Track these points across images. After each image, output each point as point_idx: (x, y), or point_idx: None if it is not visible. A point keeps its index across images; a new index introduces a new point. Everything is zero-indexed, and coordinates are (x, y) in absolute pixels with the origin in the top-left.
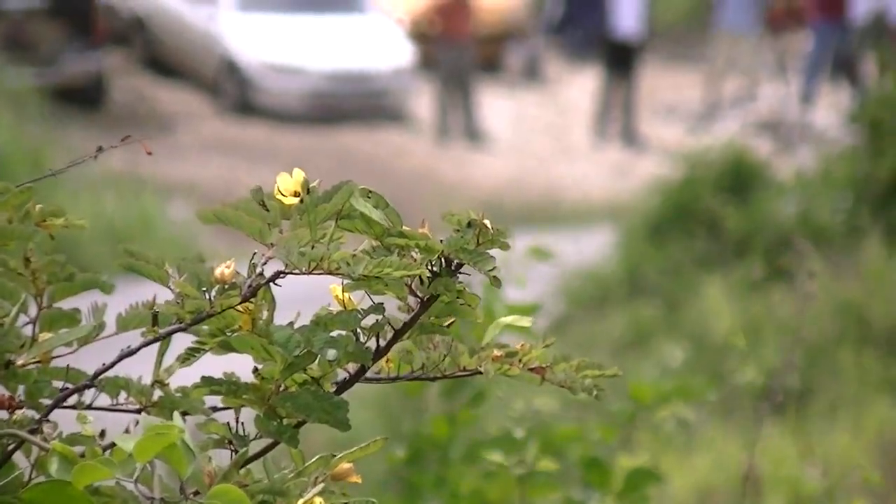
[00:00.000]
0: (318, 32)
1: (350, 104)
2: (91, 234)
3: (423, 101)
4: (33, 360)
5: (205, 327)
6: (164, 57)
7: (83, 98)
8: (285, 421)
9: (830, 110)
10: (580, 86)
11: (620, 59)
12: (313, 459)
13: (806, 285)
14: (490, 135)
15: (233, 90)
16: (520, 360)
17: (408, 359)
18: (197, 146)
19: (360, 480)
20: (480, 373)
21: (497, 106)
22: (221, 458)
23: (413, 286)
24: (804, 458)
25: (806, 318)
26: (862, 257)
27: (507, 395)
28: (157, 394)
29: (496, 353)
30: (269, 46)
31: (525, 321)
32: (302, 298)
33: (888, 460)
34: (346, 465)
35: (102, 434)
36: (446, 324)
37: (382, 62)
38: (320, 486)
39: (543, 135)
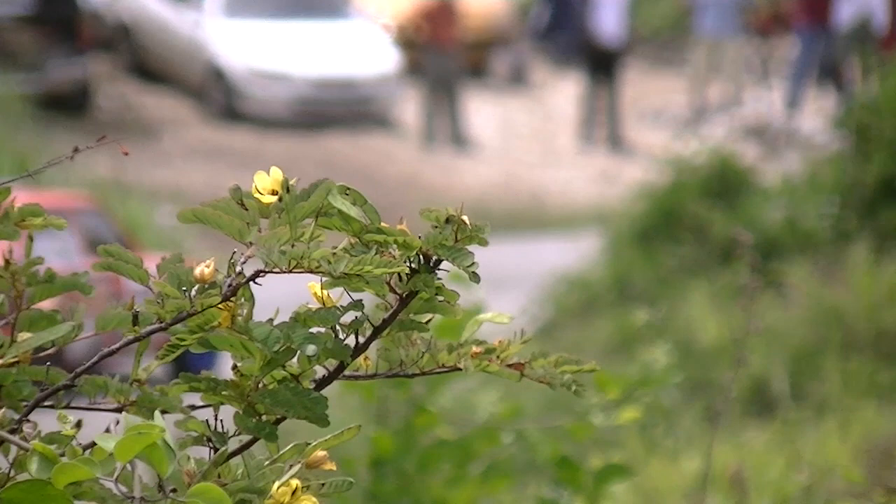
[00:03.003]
0: (303, 39)
1: (336, 110)
2: None
3: (409, 107)
4: (13, 360)
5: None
6: (149, 63)
7: (69, 104)
8: (264, 418)
9: (817, 115)
10: (566, 91)
11: (603, 65)
12: (287, 447)
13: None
14: (476, 140)
15: (219, 96)
16: (498, 357)
17: (386, 356)
18: (183, 152)
19: (334, 468)
20: (459, 369)
21: (483, 112)
22: (199, 454)
23: (392, 283)
24: (790, 462)
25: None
26: (848, 263)
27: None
28: (136, 393)
29: (475, 349)
30: (255, 53)
31: (503, 317)
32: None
33: (873, 464)
34: (320, 453)
35: (79, 424)
36: (425, 321)
37: (368, 68)
38: (296, 469)
39: (530, 140)
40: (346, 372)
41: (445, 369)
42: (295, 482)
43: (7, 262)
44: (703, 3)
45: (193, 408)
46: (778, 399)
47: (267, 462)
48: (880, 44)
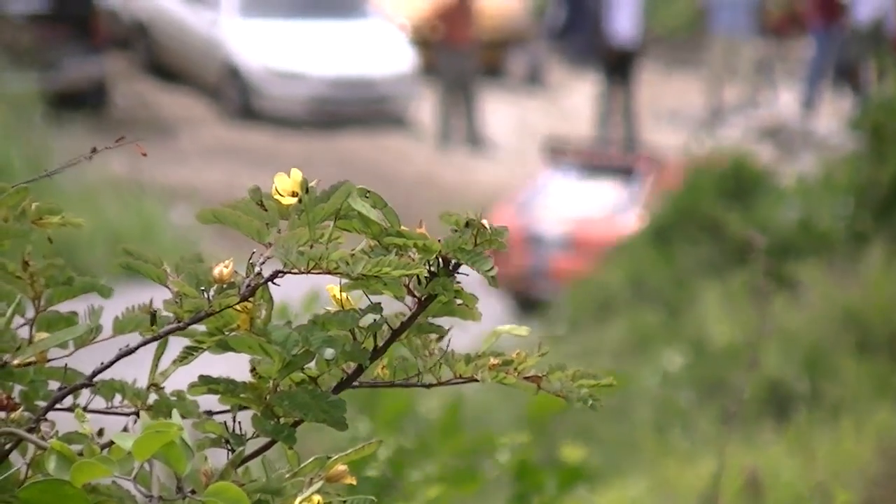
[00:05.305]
0: (320, 38)
1: (352, 110)
2: (93, 240)
3: (425, 107)
4: (29, 361)
5: (202, 327)
6: (166, 62)
7: (85, 103)
8: (282, 420)
9: (832, 116)
10: (582, 92)
11: (618, 66)
12: (308, 461)
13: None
14: (492, 140)
15: (235, 95)
16: (515, 369)
17: (404, 365)
18: (199, 151)
19: (354, 482)
20: (476, 380)
21: (499, 112)
22: (218, 458)
23: (411, 286)
24: (806, 464)
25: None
26: (864, 264)
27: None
28: (153, 397)
29: (492, 361)
30: (272, 52)
31: (521, 330)
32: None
33: (889, 466)
34: (340, 467)
35: (100, 433)
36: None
37: (384, 68)
38: (318, 485)
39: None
40: (365, 380)
41: (462, 380)
42: (317, 498)
43: (26, 263)
44: (716, 3)
45: (211, 413)
46: (793, 400)
47: (288, 474)
48: (895, 45)
